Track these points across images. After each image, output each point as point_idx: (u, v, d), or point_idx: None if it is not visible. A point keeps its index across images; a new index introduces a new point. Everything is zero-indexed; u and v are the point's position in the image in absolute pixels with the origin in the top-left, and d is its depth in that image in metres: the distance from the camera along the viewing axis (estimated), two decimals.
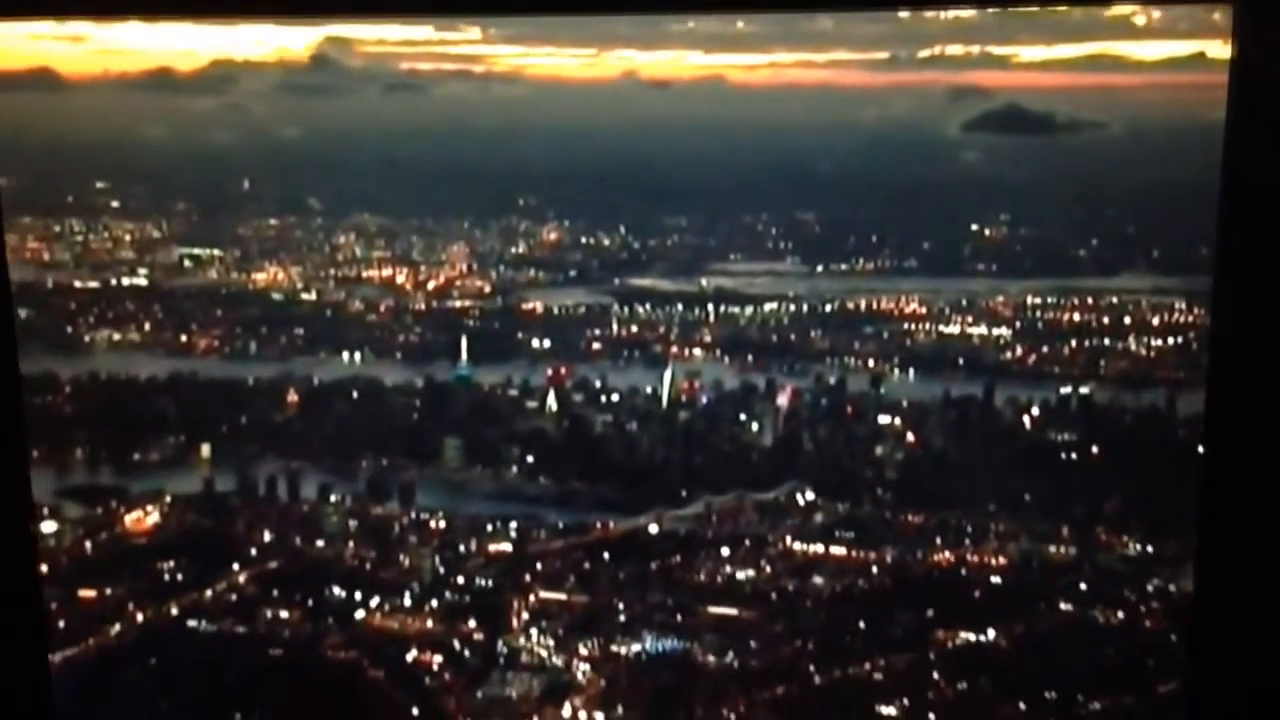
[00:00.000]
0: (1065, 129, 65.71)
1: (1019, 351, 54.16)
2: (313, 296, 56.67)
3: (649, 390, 50.87)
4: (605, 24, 77.42)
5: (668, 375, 50.99)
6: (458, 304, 57.03)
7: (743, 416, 49.67)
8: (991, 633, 40.06)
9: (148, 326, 54.74)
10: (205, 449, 47.54)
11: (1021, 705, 37.65)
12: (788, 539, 43.80)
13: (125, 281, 57.70)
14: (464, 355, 51.84)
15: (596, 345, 54.65)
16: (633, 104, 73.82)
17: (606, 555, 43.08)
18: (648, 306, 56.92)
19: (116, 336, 54.18)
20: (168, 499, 45.29)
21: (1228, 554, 5.34)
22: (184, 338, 54.03)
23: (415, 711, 37.27)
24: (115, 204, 62.37)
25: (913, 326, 55.46)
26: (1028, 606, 41.03)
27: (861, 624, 40.41)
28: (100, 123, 67.92)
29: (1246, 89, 4.81)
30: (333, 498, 45.39)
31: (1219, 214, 4.93)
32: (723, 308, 56.76)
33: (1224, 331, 5.18)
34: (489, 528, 44.15)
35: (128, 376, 51.05)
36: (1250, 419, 5.19)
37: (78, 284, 57.24)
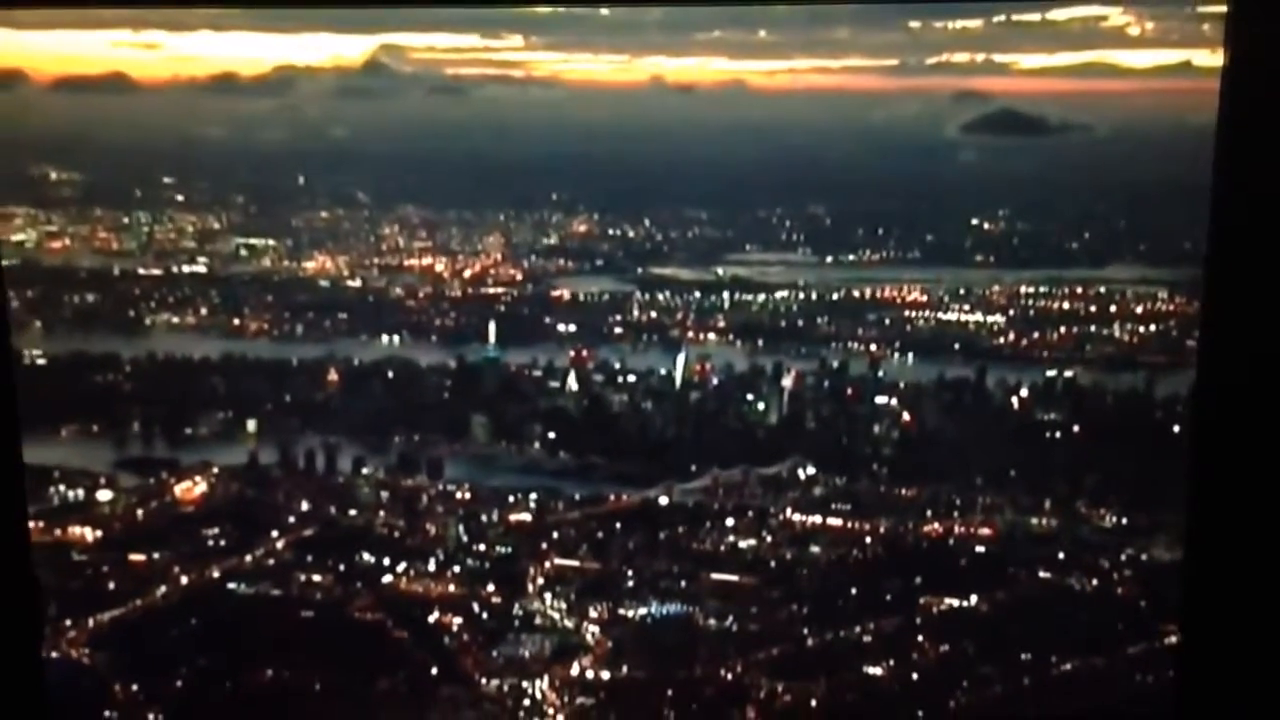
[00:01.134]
0: (1059, 131, 65.21)
1: (1011, 337, 53.73)
2: (357, 283, 56.46)
3: (664, 372, 50.42)
4: (637, 32, 77.26)
5: (681, 358, 50.61)
6: (491, 291, 56.65)
7: (750, 397, 49.20)
8: (974, 599, 39.60)
9: (204, 311, 54.58)
10: (251, 424, 47.35)
11: (999, 667, 37.05)
12: (788, 511, 43.37)
13: (186, 269, 57.50)
14: (492, 338, 51.52)
15: (618, 330, 54.27)
16: (659, 106, 73.54)
17: (618, 525, 42.78)
18: (667, 294, 56.58)
19: (175, 320, 54.04)
20: (215, 470, 45.10)
21: (1217, 536, 5.36)
22: (236, 321, 53.82)
23: (434, 670, 36.84)
24: (180, 197, 62.17)
25: (913, 314, 55.07)
26: (1010, 574, 40.61)
27: (853, 590, 40.02)
28: (169, 123, 67.82)
29: (1238, 93, 4.72)
30: (365, 470, 45.06)
31: (1211, 210, 4.78)
32: (737, 295, 56.35)
33: (1214, 321, 5.07)
34: (511, 499, 43.80)
35: (183, 357, 50.78)
36: (1239, 405, 5.12)
37: (142, 271, 57.05)
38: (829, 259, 59.99)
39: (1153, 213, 58.97)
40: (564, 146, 68.03)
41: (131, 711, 35.01)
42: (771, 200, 63.14)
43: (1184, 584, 5.37)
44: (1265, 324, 4.84)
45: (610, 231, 62.29)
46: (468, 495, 44.15)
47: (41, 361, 50.59)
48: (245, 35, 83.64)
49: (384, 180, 62.83)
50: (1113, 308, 54.52)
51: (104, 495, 43.32)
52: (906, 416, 48.27)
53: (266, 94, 69.64)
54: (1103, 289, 55.63)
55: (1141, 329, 53.40)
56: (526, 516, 43.22)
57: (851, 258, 60.55)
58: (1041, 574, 40.73)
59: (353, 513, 43.28)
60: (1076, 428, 47.43)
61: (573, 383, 49.82)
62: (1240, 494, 5.15)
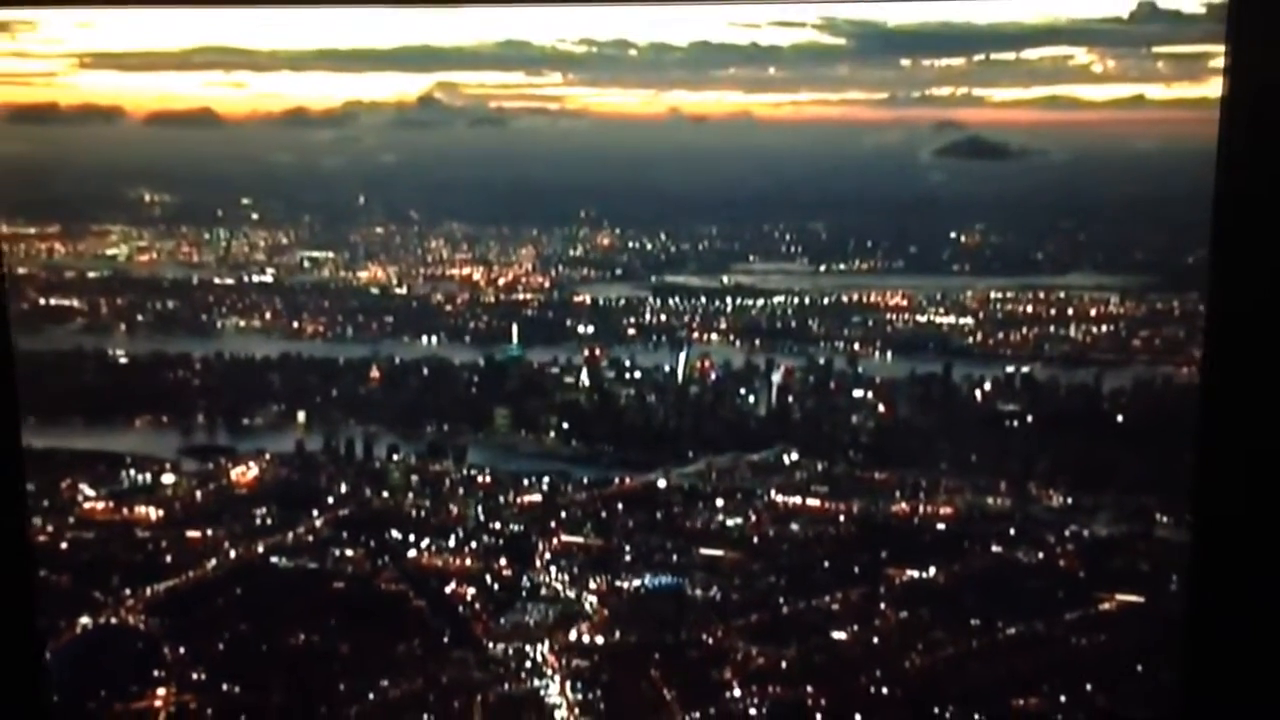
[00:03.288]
0: (1019, 156, 64.39)
1: (980, 337, 52.94)
2: (404, 290, 55.87)
3: (669, 368, 49.74)
4: (661, 70, 76.85)
5: (683, 356, 49.92)
6: (522, 297, 55.97)
7: (744, 390, 48.42)
8: (933, 570, 38.87)
9: (268, 315, 54.00)
10: (301, 415, 46.79)
11: (951, 631, 36.36)
12: (773, 492, 42.56)
13: (256, 278, 56.93)
14: (515, 338, 50.99)
15: (631, 331, 53.51)
16: (677, 135, 72.80)
17: (621, 506, 42.10)
18: (677, 299, 55.80)
19: (243, 323, 53.48)
20: (267, 456, 44.51)
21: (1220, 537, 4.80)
22: (296, 324, 53.19)
23: (448, 635, 36.15)
24: (255, 216, 61.72)
25: (893, 316, 54.29)
26: (965, 549, 39.90)
27: (826, 564, 39.33)
28: (249, 152, 67.53)
29: (1237, 121, 4.45)
30: (397, 456, 44.30)
31: (1213, 230, 4.49)
32: (740, 300, 55.64)
33: (1217, 331, 4.72)
34: (525, 482, 43.07)
35: (247, 356, 50.26)
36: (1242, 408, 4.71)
37: (217, 281, 56.51)
38: (823, 268, 59.16)
39: (1106, 227, 58.44)
40: (591, 170, 67.55)
41: (179, 670, 34.48)
42: (774, 216, 62.53)
43: (1189, 585, 4.85)
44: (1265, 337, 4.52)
45: (630, 244, 61.54)
46: (488, 479, 43.37)
47: (123, 360, 50.26)
48: (320, 75, 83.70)
49: (432, 200, 62.24)
50: (1070, 311, 53.71)
51: (168, 479, 42.82)
52: (882, 408, 47.44)
53: (333, 126, 69.20)
54: (1063, 294, 54.75)
55: (1094, 330, 52.57)
56: (538, 498, 42.50)
57: (843, 267, 59.68)
58: (994, 548, 39.95)
59: (385, 494, 42.55)
60: (1031, 418, 46.58)
61: (586, 378, 49.10)
62: (1244, 496, 4.66)
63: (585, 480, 43.75)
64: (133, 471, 42.49)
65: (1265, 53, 4.21)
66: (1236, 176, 4.27)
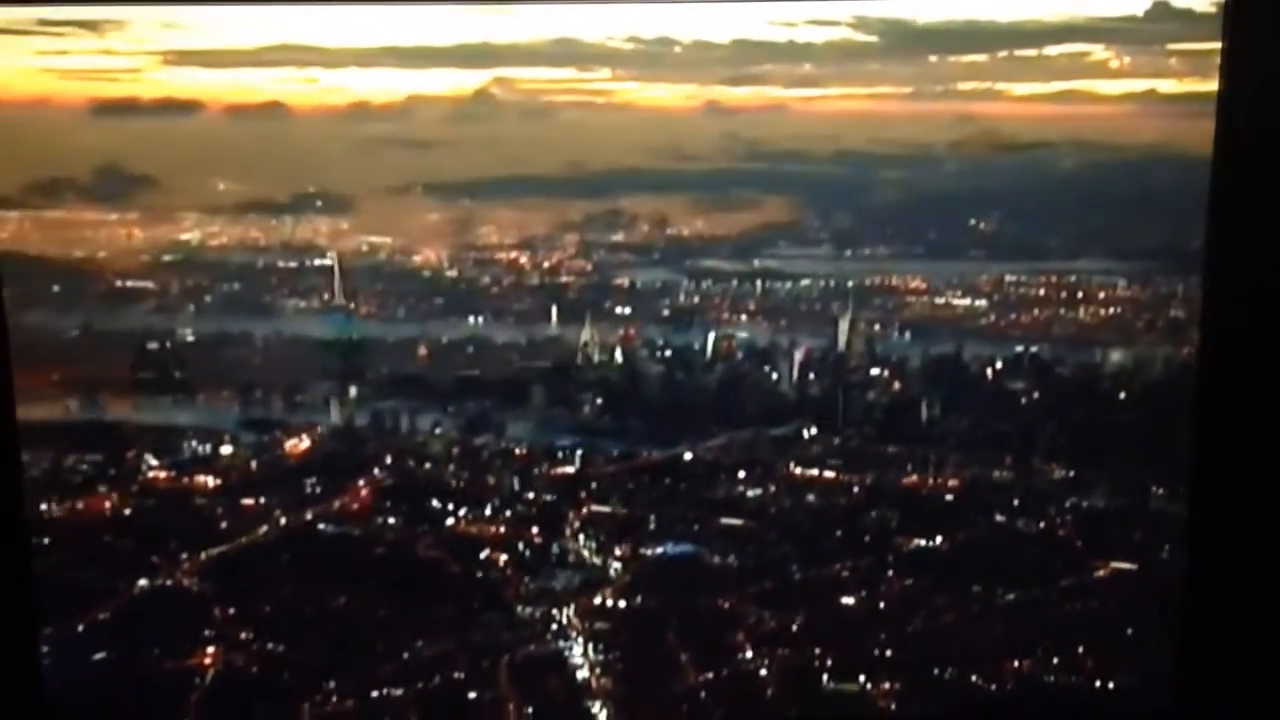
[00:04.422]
0: (1029, 148, 63.47)
1: (992, 318, 52.27)
2: (454, 273, 55.45)
3: (697, 347, 49.36)
4: (704, 66, 76.24)
5: (711, 335, 49.53)
6: (564, 280, 55.58)
7: (767, 368, 48.01)
8: (938, 539, 38.69)
9: (325, 296, 53.73)
10: (352, 390, 46.58)
11: (951, 597, 36.51)
12: (791, 465, 42.21)
13: (316, 262, 56.71)
14: (554, 319, 50.78)
15: (665, 312, 53.02)
16: (716, 128, 72.06)
17: (647, 477, 41.92)
18: (710, 282, 55.26)
19: (302, 304, 53.24)
20: (319, 429, 44.37)
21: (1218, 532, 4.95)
22: (351, 305, 52.90)
23: (480, 599, 36.28)
24: (319, 203, 61.46)
25: (911, 299, 53.63)
26: (969, 519, 39.71)
27: (837, 533, 39.23)
28: (316, 144, 67.28)
29: (1232, 119, 4.61)
30: (439, 430, 44.13)
31: (1210, 221, 4.62)
32: (768, 283, 55.06)
33: (1213, 324, 4.87)
34: (559, 454, 42.85)
35: (303, 335, 50.05)
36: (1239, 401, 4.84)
37: (280, 264, 56.28)
38: (847, 253, 58.51)
39: (1115, 215, 57.66)
40: (634, 160, 66.89)
41: (226, 629, 34.65)
42: (804, 204, 61.80)
43: (1186, 582, 4.96)
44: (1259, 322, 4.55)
45: (668, 230, 60.96)
46: (524, 451, 43.22)
47: (190, 339, 50.20)
48: (384, 70, 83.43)
49: (484, 188, 61.85)
50: (1080, 294, 52.99)
51: (226, 450, 42.84)
52: (897, 385, 47.02)
53: (395, 119, 68.81)
54: (1073, 278, 54.02)
55: (1101, 311, 51.92)
56: (570, 469, 42.34)
57: (867, 252, 59.05)
58: (997, 518, 39.76)
59: (426, 466, 42.46)
60: (1037, 394, 46.11)
61: (619, 357, 48.83)
62: (1240, 490, 4.73)
63: (615, 453, 43.46)
64: (194, 443, 42.57)
65: (1259, 49, 4.09)
66: (1234, 170, 4.17)
